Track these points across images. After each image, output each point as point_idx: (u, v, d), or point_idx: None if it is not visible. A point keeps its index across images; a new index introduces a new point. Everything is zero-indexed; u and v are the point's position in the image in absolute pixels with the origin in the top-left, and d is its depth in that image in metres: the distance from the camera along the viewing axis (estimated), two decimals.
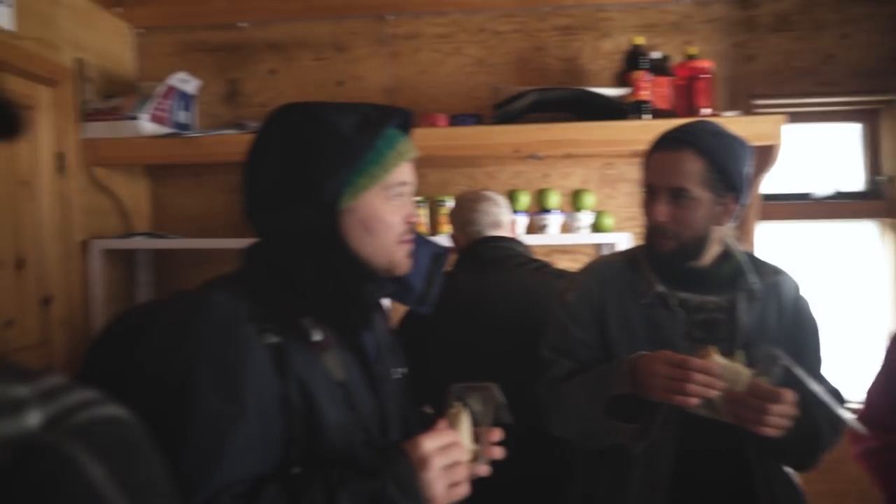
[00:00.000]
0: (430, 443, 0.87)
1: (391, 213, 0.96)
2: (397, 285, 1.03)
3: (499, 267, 1.66)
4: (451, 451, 0.88)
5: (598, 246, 2.33)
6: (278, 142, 0.93)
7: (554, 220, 2.17)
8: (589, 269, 1.44)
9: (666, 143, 1.30)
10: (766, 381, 1.13)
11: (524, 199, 2.17)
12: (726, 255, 1.33)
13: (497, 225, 1.74)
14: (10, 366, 0.47)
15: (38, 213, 1.97)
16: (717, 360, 1.14)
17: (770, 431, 1.12)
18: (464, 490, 0.89)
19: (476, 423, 1.01)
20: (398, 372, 1.10)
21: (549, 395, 1.35)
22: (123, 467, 0.46)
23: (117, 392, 0.55)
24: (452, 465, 0.88)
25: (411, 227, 0.99)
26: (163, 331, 0.90)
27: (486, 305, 1.63)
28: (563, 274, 1.73)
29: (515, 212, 2.14)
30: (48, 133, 2.02)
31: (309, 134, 0.91)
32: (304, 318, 0.92)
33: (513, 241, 1.73)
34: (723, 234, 1.33)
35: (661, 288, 1.31)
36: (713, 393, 1.12)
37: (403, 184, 0.97)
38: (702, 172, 1.24)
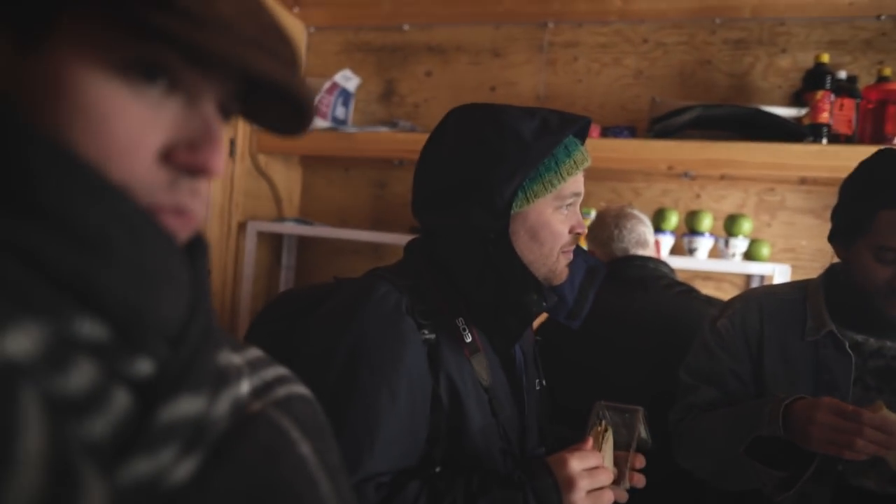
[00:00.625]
0: (577, 463, 0.82)
1: (559, 223, 0.93)
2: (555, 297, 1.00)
3: (644, 287, 1.59)
4: (598, 474, 0.83)
5: (749, 276, 2.16)
6: (457, 141, 0.93)
7: (704, 244, 2.03)
8: (747, 297, 1.33)
9: None
10: None
11: (673, 219, 2.05)
12: None
13: (643, 244, 1.67)
14: (226, 336, 0.50)
15: (209, 192, 2.14)
16: (889, 415, 1.01)
17: None
18: None
19: (617, 447, 0.96)
20: (539, 383, 1.07)
21: (684, 424, 1.25)
22: (320, 445, 0.48)
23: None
24: (598, 490, 0.83)
25: (576, 238, 0.96)
26: (327, 318, 0.92)
27: (628, 325, 1.55)
28: (712, 301, 1.63)
29: (662, 231, 2.04)
30: None
31: (489, 136, 0.89)
32: (459, 318, 0.92)
33: (659, 262, 1.65)
34: None
35: (832, 326, 1.18)
36: (884, 451, 0.99)
37: (576, 194, 0.94)
38: None
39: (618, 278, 1.61)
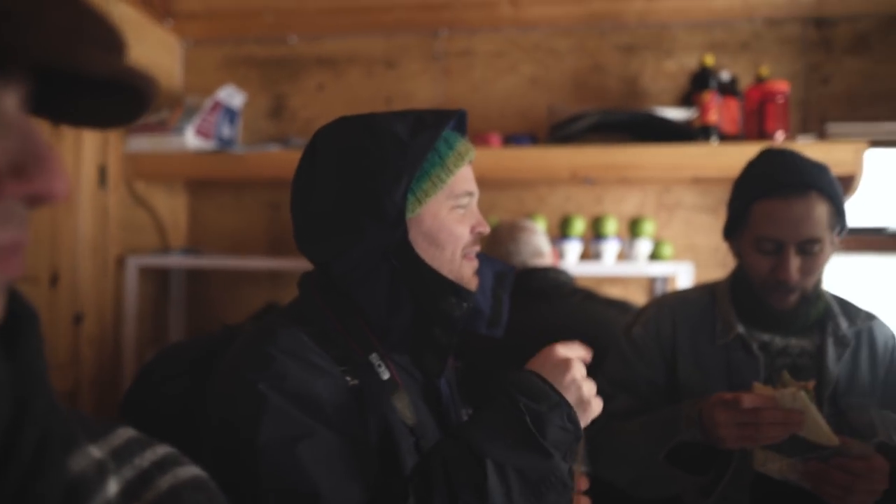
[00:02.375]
0: (563, 349, 0.84)
1: (457, 223, 0.88)
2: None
3: (546, 298, 1.58)
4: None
5: (654, 277, 2.19)
6: (332, 158, 0.84)
7: (610, 248, 2.04)
8: (660, 303, 1.33)
9: (785, 188, 1.12)
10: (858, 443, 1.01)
11: (579, 225, 2.05)
12: (813, 296, 1.20)
13: (539, 254, 1.67)
14: (83, 419, 0.40)
15: (77, 227, 1.92)
16: (762, 388, 1.01)
17: None
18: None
19: None
20: (466, 413, 0.99)
21: (601, 434, 1.23)
22: None
23: (182, 435, 0.49)
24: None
25: (477, 239, 0.90)
26: (233, 373, 0.79)
27: (537, 339, 1.52)
28: (612, 303, 1.65)
29: (569, 238, 2.03)
30: (91, 146, 1.97)
31: (366, 144, 0.82)
32: (372, 354, 0.83)
33: (558, 271, 1.65)
34: None
35: (740, 329, 1.19)
36: (797, 428, 0.98)
37: (468, 193, 0.89)
38: (828, 216, 1.12)
39: (520, 291, 1.58)
